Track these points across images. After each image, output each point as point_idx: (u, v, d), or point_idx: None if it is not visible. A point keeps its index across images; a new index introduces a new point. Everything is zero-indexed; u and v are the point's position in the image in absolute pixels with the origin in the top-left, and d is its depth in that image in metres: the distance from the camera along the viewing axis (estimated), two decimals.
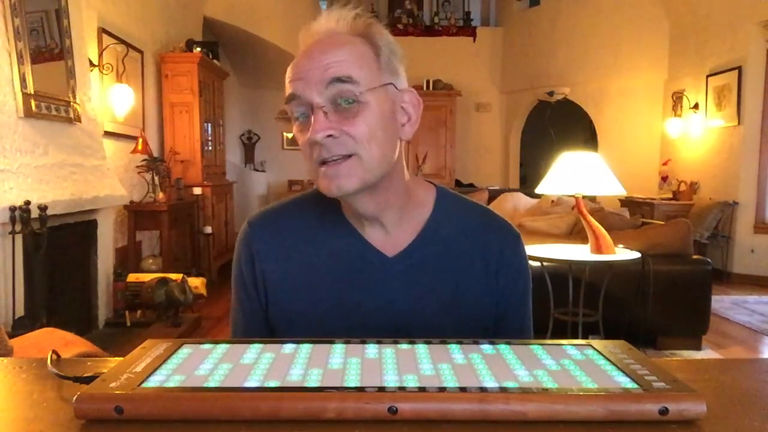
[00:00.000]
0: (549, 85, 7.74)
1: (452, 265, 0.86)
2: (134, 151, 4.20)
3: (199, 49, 5.25)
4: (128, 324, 3.50)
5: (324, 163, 0.76)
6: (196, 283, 3.68)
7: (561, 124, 8.96)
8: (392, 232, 0.86)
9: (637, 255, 2.97)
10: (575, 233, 4.05)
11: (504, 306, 0.89)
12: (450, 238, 0.87)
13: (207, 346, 0.67)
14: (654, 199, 6.28)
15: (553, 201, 5.01)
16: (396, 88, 0.80)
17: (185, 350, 0.65)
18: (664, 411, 0.51)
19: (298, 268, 0.86)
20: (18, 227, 2.58)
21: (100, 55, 3.98)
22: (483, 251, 0.88)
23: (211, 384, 0.55)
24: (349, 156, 0.75)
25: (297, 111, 0.77)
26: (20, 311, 2.64)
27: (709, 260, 3.52)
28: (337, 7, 0.80)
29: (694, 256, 3.49)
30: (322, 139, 0.74)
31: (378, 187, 0.80)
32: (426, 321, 0.84)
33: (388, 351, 0.65)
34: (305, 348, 0.66)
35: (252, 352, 0.64)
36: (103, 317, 3.57)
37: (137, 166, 4.25)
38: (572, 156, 3.04)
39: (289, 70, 0.79)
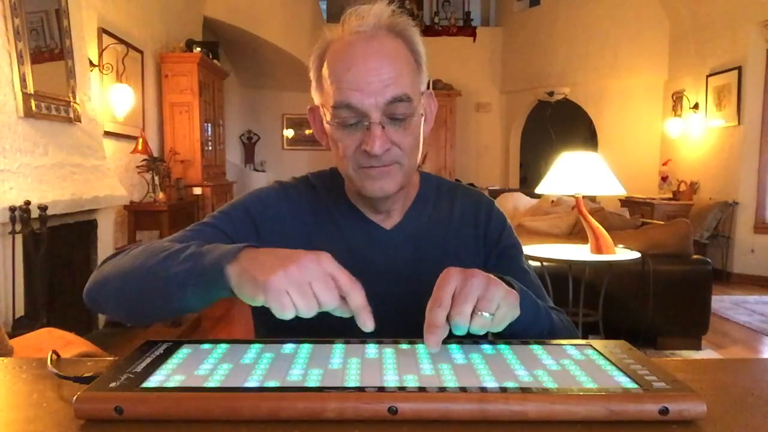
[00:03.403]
0: (549, 85, 7.74)
1: (442, 233, 0.95)
2: (134, 151, 4.19)
3: (199, 49, 5.25)
4: (128, 324, 3.50)
5: (370, 167, 0.83)
6: None
7: (561, 124, 8.95)
8: (391, 213, 0.94)
9: (637, 255, 2.97)
10: (575, 233, 4.05)
11: (501, 259, 0.95)
12: (436, 210, 0.96)
13: (207, 346, 0.67)
14: (654, 199, 6.27)
15: (553, 201, 5.00)
16: (423, 96, 0.87)
17: (185, 350, 0.65)
18: (664, 411, 0.51)
19: (304, 237, 0.91)
20: (18, 227, 2.58)
21: (100, 55, 3.97)
22: (468, 217, 0.97)
23: (211, 384, 0.55)
24: (393, 164, 0.83)
25: (348, 119, 0.81)
26: (20, 311, 2.64)
27: (709, 260, 3.51)
28: (378, 1, 0.83)
29: (694, 256, 3.49)
30: (380, 153, 0.80)
31: (403, 187, 0.88)
32: (425, 284, 0.86)
33: (388, 351, 0.65)
34: (305, 348, 0.66)
35: (252, 352, 0.64)
36: (103, 317, 3.57)
37: (137, 166, 4.25)
38: (572, 156, 3.04)
39: (337, 67, 0.81)
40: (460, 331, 0.65)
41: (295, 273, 0.61)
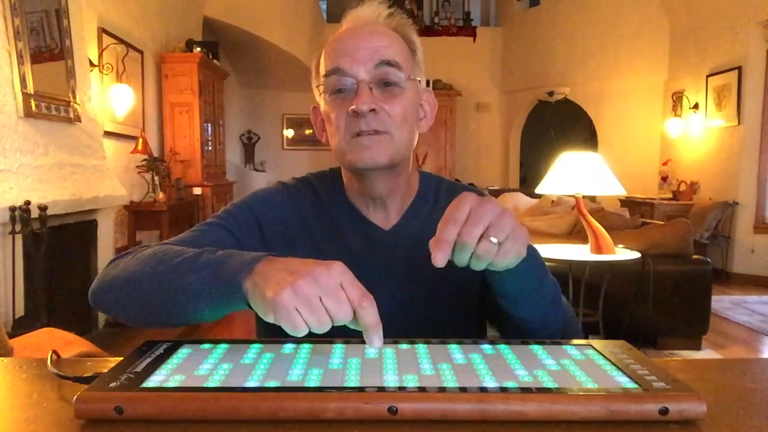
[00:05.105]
0: (549, 85, 7.74)
1: None
2: (134, 151, 4.20)
3: (199, 49, 5.25)
4: (128, 324, 3.50)
5: (359, 134, 0.82)
6: None
7: (561, 124, 8.96)
8: (390, 213, 0.93)
9: (637, 255, 2.96)
10: (575, 233, 4.05)
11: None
12: (435, 210, 0.94)
13: (207, 346, 0.67)
14: (654, 199, 6.27)
15: (553, 201, 5.00)
16: (420, 85, 0.89)
17: (185, 350, 0.65)
18: (664, 411, 0.51)
19: (307, 239, 0.91)
20: (18, 227, 2.58)
21: (100, 55, 3.98)
22: None
23: (211, 384, 0.55)
24: (384, 133, 0.82)
25: (337, 85, 0.83)
26: (20, 311, 2.64)
27: (709, 260, 3.51)
28: (376, 2, 0.88)
29: (694, 256, 3.49)
30: (366, 110, 0.80)
31: (396, 169, 0.87)
32: (425, 284, 0.89)
33: (388, 351, 0.65)
34: (305, 348, 0.66)
35: (252, 352, 0.64)
36: (103, 317, 3.56)
37: (137, 166, 4.25)
38: (572, 156, 3.03)
39: (331, 46, 0.85)
40: (463, 255, 0.64)
41: (304, 288, 0.58)
